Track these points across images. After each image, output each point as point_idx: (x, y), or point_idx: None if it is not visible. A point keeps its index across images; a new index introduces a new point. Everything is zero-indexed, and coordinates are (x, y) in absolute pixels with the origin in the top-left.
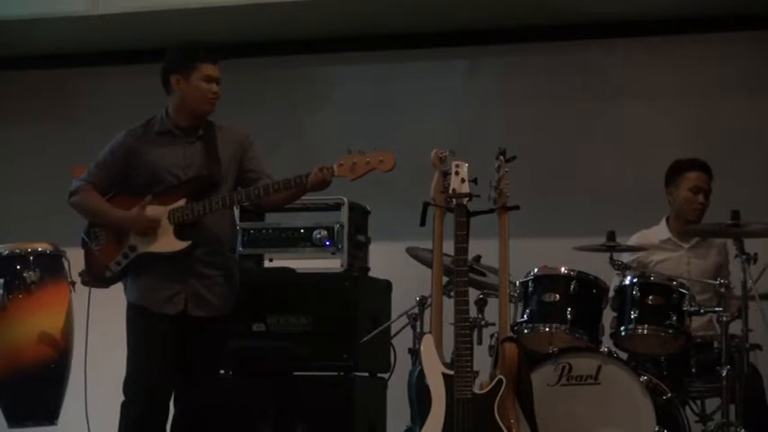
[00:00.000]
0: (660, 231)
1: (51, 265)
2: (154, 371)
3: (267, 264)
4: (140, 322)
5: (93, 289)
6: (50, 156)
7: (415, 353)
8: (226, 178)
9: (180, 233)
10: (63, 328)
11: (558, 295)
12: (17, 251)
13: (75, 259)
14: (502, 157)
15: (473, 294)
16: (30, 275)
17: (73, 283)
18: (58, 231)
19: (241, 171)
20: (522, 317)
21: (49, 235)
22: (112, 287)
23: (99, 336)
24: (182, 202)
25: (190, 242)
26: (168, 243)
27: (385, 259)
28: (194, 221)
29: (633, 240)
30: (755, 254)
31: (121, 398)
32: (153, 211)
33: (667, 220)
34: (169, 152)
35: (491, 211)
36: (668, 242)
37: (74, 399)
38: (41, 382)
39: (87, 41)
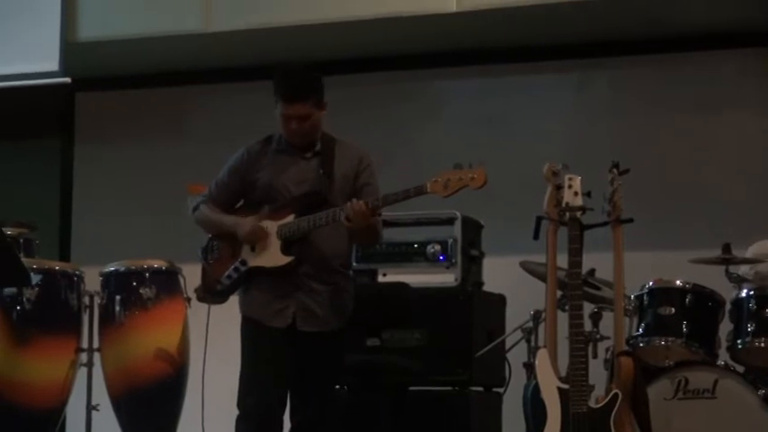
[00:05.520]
0: None
1: (167, 282)
2: (266, 384)
3: (381, 279)
4: (252, 335)
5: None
6: (165, 173)
7: (529, 367)
8: (337, 195)
9: (287, 248)
10: (179, 345)
11: (673, 308)
12: (133, 268)
13: (191, 276)
14: (615, 170)
15: (588, 308)
16: (146, 292)
17: (188, 300)
18: (174, 248)
19: (355, 189)
20: (638, 330)
21: (165, 252)
22: (229, 302)
23: (217, 351)
24: (290, 218)
25: (292, 258)
26: (274, 258)
27: (499, 273)
28: (301, 237)
29: (751, 251)
30: None
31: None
32: (265, 225)
33: None
34: (284, 169)
35: (605, 224)
36: None
37: (190, 415)
38: (158, 398)
39: (199, 59)
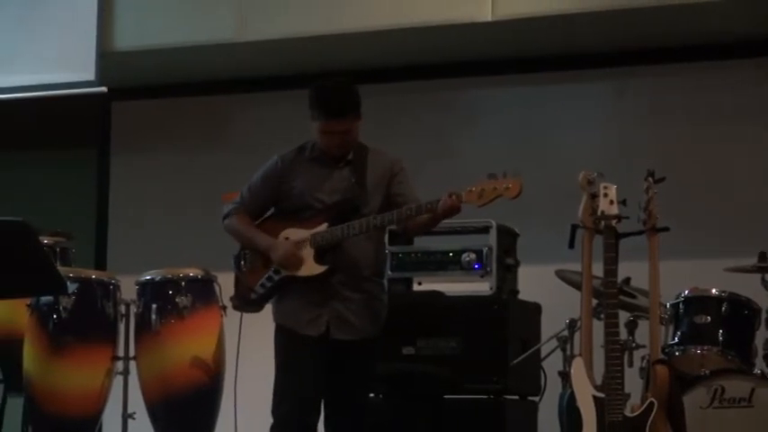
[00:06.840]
0: None
1: (203, 290)
2: (300, 393)
3: (416, 287)
4: (286, 344)
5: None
6: (201, 182)
7: (565, 376)
8: (369, 203)
9: (320, 257)
10: (214, 353)
11: (709, 317)
12: (169, 276)
13: (227, 284)
14: (651, 179)
15: (623, 317)
16: (182, 300)
17: (224, 308)
18: (210, 256)
19: (389, 196)
20: (673, 339)
21: (201, 260)
22: (264, 311)
23: (250, 360)
24: (323, 227)
25: (326, 267)
26: (308, 267)
27: (534, 282)
28: (334, 246)
29: None
30: None
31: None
32: (297, 235)
33: None
34: (317, 177)
35: (640, 232)
36: None
37: (225, 423)
38: (194, 407)
39: (234, 68)
